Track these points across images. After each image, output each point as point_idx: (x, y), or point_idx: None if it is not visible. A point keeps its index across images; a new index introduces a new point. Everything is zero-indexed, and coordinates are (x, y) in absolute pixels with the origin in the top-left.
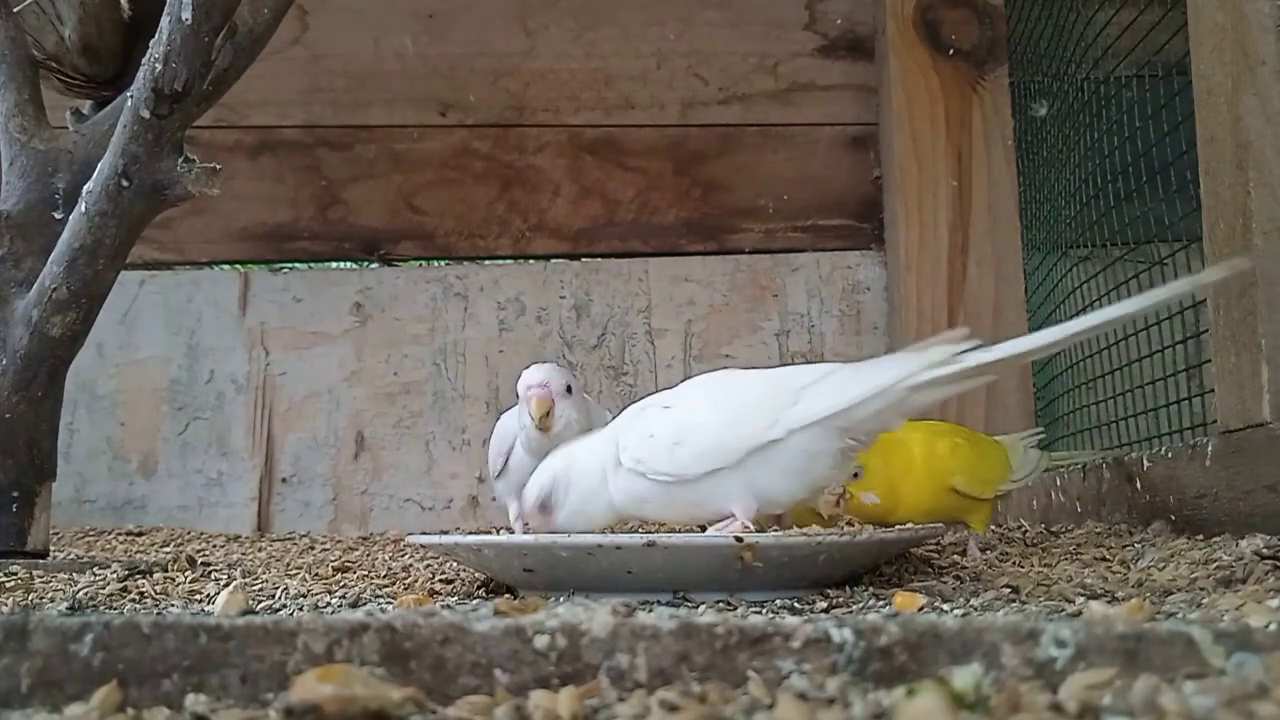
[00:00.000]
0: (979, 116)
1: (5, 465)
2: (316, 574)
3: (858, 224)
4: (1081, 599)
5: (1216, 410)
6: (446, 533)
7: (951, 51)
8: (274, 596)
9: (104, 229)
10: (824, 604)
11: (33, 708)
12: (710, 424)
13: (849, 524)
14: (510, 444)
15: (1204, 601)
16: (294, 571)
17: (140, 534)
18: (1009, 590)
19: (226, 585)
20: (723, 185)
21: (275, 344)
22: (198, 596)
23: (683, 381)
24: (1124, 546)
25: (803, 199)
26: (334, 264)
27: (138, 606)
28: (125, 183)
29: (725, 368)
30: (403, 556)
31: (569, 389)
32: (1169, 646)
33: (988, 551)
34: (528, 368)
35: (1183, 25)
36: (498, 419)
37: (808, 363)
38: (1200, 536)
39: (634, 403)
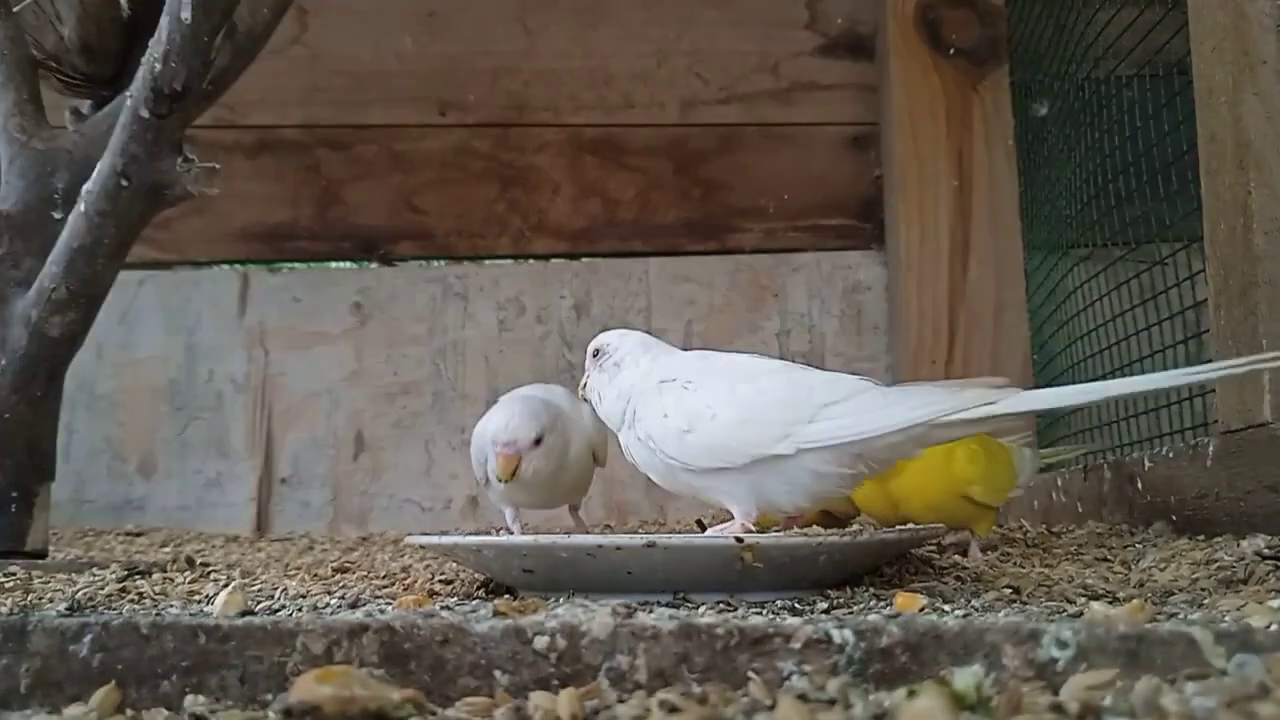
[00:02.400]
0: (979, 116)
1: (4, 465)
2: (316, 574)
3: (858, 224)
4: (1083, 600)
5: (1217, 410)
6: (446, 533)
7: (952, 51)
8: (273, 597)
9: (103, 229)
10: (825, 605)
11: (32, 708)
12: (723, 419)
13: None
14: (487, 453)
15: (1205, 602)
16: (293, 572)
17: (139, 534)
18: (1010, 591)
19: (225, 586)
20: (723, 185)
21: (274, 344)
22: (196, 597)
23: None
24: (1125, 547)
25: (803, 199)
26: (333, 264)
27: (136, 607)
28: (124, 182)
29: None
30: (402, 557)
31: (538, 441)
32: (1170, 647)
33: (989, 552)
34: (501, 417)
35: (1183, 25)
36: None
37: (808, 363)
38: (1201, 537)
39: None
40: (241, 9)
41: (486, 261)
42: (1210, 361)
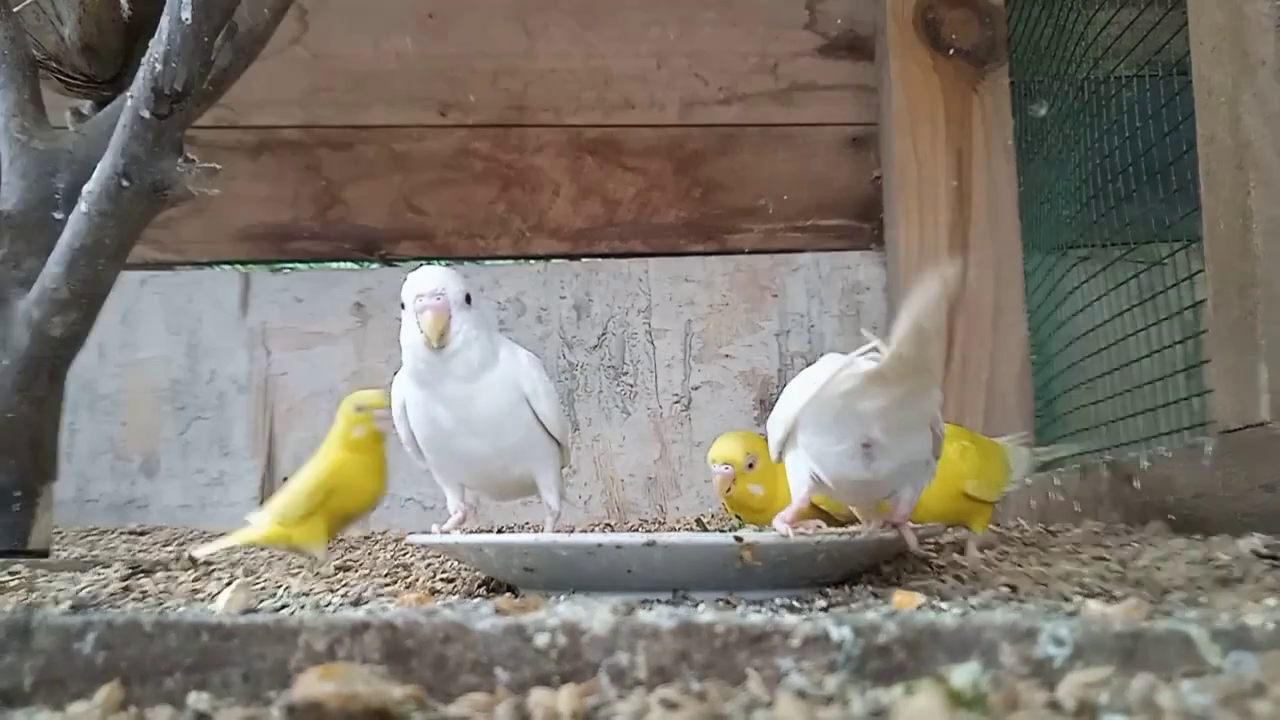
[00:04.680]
0: (979, 116)
1: (7, 465)
2: (318, 573)
3: (857, 224)
4: (1079, 598)
5: (1215, 410)
6: (447, 532)
7: (952, 51)
8: (276, 595)
9: (104, 229)
10: (823, 603)
11: (36, 706)
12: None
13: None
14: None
15: (1201, 600)
16: (295, 570)
17: (142, 533)
18: (1007, 589)
19: (228, 584)
20: (723, 185)
21: (276, 344)
22: (200, 595)
23: (683, 381)
24: (1122, 545)
25: (803, 199)
26: (334, 264)
27: (140, 605)
28: (125, 183)
29: (725, 368)
30: (404, 555)
31: (469, 299)
32: (1166, 645)
33: (986, 550)
34: (415, 271)
35: (1183, 25)
36: None
37: (807, 363)
38: (1198, 536)
39: (632, 401)
40: (242, 9)
41: (487, 262)
42: (1208, 362)
